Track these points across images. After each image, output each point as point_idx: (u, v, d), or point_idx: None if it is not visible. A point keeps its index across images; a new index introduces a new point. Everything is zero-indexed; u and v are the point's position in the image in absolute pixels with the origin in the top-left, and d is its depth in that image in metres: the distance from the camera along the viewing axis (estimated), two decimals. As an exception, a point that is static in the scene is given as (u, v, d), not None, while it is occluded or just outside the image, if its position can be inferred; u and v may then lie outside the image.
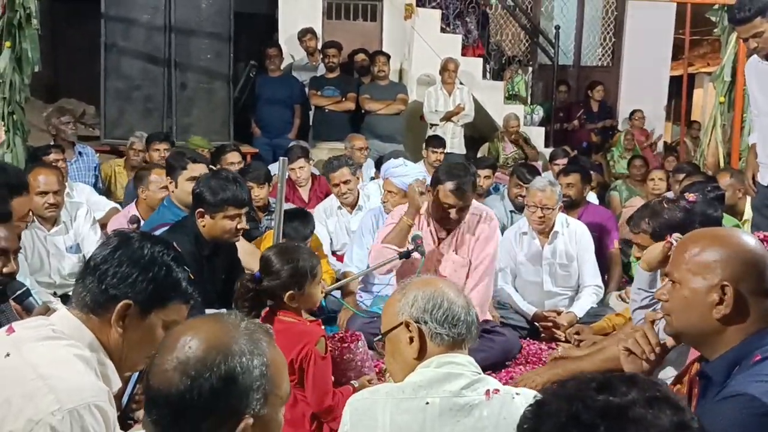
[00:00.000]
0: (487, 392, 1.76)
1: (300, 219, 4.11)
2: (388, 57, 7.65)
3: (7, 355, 1.51)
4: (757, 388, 1.50)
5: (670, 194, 4.50)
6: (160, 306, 1.65)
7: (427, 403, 1.75)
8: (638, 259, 2.84)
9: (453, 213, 3.49)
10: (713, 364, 1.68)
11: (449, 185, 3.44)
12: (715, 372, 1.65)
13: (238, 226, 3.27)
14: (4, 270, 2.22)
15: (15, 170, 3.68)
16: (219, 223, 3.22)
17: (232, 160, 5.25)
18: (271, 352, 1.26)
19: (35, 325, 1.59)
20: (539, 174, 5.33)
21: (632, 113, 9.00)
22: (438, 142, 6.54)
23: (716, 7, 6.16)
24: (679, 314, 1.73)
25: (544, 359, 3.65)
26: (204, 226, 3.24)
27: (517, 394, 1.80)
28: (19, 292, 2.19)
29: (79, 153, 5.77)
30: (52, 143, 5.47)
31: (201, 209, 3.22)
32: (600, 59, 10.00)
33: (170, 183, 3.84)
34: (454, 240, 3.65)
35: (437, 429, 1.74)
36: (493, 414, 1.74)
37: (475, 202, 3.73)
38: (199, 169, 3.79)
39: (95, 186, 5.68)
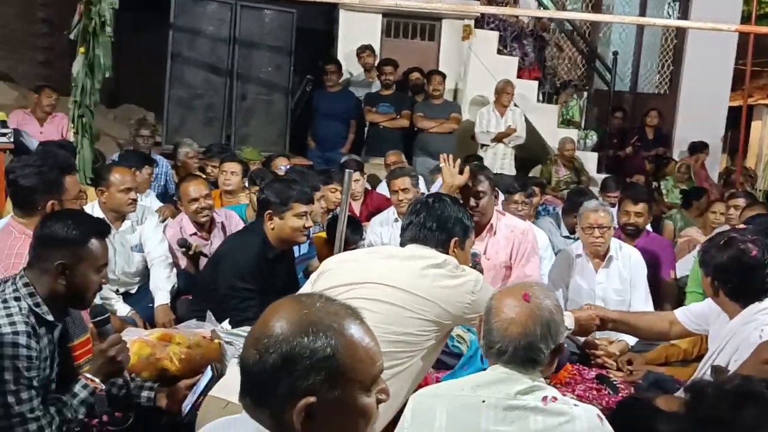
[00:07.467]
0: (545, 398, 1.79)
1: (350, 227, 4.22)
2: (444, 76, 7.71)
3: None
4: None
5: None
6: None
7: (483, 401, 1.80)
8: None
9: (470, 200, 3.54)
10: None
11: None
12: None
13: (306, 225, 3.35)
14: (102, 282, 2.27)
15: (62, 153, 3.95)
16: (288, 222, 3.31)
17: (280, 164, 5.53)
18: (347, 333, 1.24)
19: None
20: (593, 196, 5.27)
21: (701, 147, 8.61)
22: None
23: (782, 38, 6.08)
24: None
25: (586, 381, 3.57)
26: (273, 229, 3.32)
27: (575, 405, 1.81)
28: (100, 318, 2.25)
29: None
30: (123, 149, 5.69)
31: (269, 211, 3.31)
32: (657, 86, 9.88)
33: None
34: (484, 247, 3.59)
35: (491, 427, 1.78)
36: (548, 426, 1.75)
37: (512, 218, 3.73)
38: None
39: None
